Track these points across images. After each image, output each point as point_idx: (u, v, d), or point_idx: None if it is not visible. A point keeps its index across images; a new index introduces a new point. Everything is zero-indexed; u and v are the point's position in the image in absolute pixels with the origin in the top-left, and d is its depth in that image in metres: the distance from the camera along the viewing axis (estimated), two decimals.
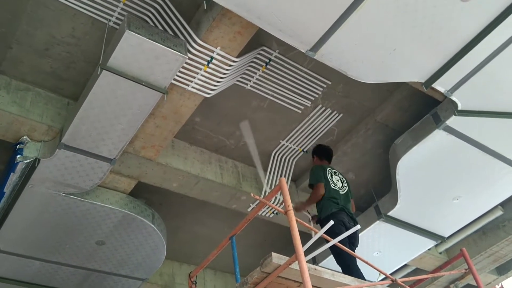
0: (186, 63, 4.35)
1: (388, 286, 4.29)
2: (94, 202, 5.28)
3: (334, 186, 4.99)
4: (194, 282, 4.75)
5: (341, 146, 5.93)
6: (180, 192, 5.77)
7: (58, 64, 4.70)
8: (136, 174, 5.37)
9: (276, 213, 5.98)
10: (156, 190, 5.82)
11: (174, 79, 4.47)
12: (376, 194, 6.29)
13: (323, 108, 5.51)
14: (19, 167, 4.74)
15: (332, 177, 5.11)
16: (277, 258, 3.66)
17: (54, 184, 4.96)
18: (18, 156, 4.63)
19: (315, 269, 3.73)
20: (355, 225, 4.15)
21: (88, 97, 4.30)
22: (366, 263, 4.15)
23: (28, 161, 4.66)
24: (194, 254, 7.04)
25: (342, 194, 4.95)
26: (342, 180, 5.19)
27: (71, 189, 5.07)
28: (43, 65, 4.68)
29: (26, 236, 5.52)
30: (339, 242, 3.76)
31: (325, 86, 5.25)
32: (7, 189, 5.00)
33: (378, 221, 6.07)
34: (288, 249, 3.89)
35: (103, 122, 4.49)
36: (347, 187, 5.09)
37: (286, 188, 3.84)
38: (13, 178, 4.86)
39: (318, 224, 4.82)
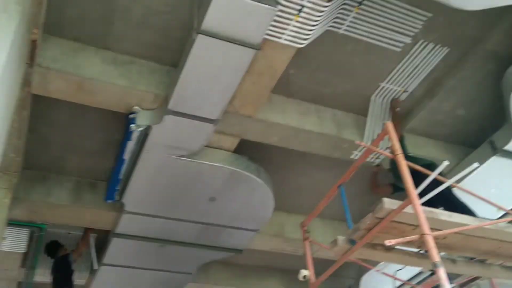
0: (277, 15, 4.27)
1: (509, 222, 4.10)
2: (203, 162, 5.54)
3: None
4: (307, 231, 4.94)
5: (448, 81, 5.55)
6: (281, 146, 5.85)
7: (157, 34, 4.85)
8: (237, 132, 5.53)
9: (383, 158, 5.90)
10: (258, 145, 5.94)
11: (266, 34, 4.42)
12: (490, 129, 5.89)
13: (425, 43, 5.18)
14: (134, 135, 5.12)
15: None
16: (389, 203, 3.65)
17: (166, 148, 5.27)
18: (132, 125, 4.99)
19: (431, 211, 3.67)
20: None
21: (186, 62, 4.44)
22: (484, 200, 4.00)
23: (141, 129, 5.01)
24: (300, 204, 7.15)
25: None
26: None
27: (182, 152, 5.36)
28: (143, 37, 4.86)
29: (148, 197, 5.99)
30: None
31: (425, 19, 4.91)
32: (126, 156, 5.45)
33: (493, 157, 5.72)
34: (396, 194, 3.88)
35: (203, 85, 4.64)
36: None
37: (393, 132, 3.77)
38: (130, 145, 5.28)
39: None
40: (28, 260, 7.04)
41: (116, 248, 6.79)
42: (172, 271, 7.48)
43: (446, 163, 3.73)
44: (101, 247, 7.16)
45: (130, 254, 6.99)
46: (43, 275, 7.11)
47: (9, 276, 7.47)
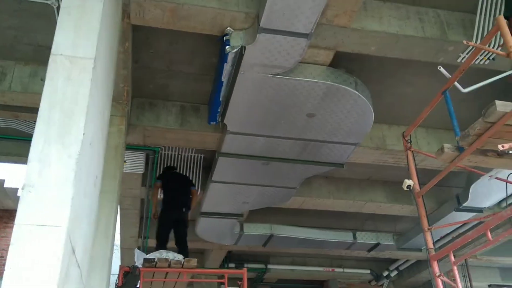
0: None
1: None
2: (298, 78, 5.48)
3: None
4: (409, 141, 4.79)
5: None
6: (380, 55, 5.59)
7: None
8: (332, 44, 5.33)
9: (493, 58, 5.39)
10: (355, 57, 5.74)
11: None
12: None
13: None
14: (230, 57, 5.17)
15: None
16: (502, 106, 3.38)
17: (262, 67, 5.27)
18: (227, 47, 5.01)
19: None
20: None
21: None
22: None
23: (235, 50, 5.03)
24: (402, 115, 6.97)
25: None
26: None
27: (277, 70, 5.33)
28: None
29: (248, 117, 6.16)
30: None
31: None
32: (224, 78, 5.56)
33: None
34: (509, 98, 3.57)
35: None
36: None
37: (505, 26, 3.39)
38: (227, 67, 5.36)
39: None
40: (147, 179, 7.79)
41: (223, 167, 7.17)
42: (276, 186, 7.85)
43: None
44: (210, 166, 7.66)
45: (236, 171, 7.35)
46: (161, 194, 7.76)
47: (132, 194, 8.35)
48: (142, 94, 6.59)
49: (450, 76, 3.95)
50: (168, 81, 6.45)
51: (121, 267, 6.35)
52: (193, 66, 6.20)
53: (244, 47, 5.02)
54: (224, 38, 5.02)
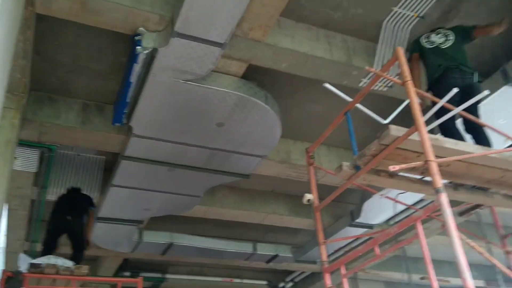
0: None
1: None
2: (210, 86, 5.51)
3: (431, 45, 4.65)
4: (312, 157, 5.00)
5: (464, 6, 5.36)
6: (291, 72, 5.79)
7: None
8: (246, 57, 5.43)
9: (391, 86, 5.85)
10: (267, 71, 5.89)
11: None
12: (504, 58, 5.76)
13: None
14: (141, 58, 5.05)
15: (429, 39, 4.75)
16: (396, 130, 3.66)
17: (173, 72, 5.22)
18: (138, 47, 4.89)
19: (437, 139, 3.68)
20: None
21: None
22: (492, 129, 4.00)
23: (147, 51, 4.93)
24: (308, 131, 7.24)
25: (444, 48, 4.58)
26: (447, 34, 4.73)
27: (189, 76, 5.31)
28: None
29: (155, 121, 6.04)
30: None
31: None
32: (133, 79, 5.41)
33: (505, 87, 5.64)
34: (404, 123, 3.87)
35: (210, 5, 4.49)
36: (452, 40, 4.63)
37: (403, 57, 3.70)
38: (137, 68, 5.23)
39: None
40: (39, 179, 7.29)
41: (125, 171, 6.99)
42: (180, 193, 7.77)
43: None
44: (111, 169, 7.38)
45: (139, 176, 7.19)
46: (55, 194, 7.40)
47: (22, 193, 7.70)
48: (42, 87, 6.19)
49: (336, 91, 4.23)
50: (72, 77, 6.13)
51: (3, 272, 5.90)
52: (100, 63, 5.97)
53: (157, 50, 4.93)
54: (136, 38, 4.90)
